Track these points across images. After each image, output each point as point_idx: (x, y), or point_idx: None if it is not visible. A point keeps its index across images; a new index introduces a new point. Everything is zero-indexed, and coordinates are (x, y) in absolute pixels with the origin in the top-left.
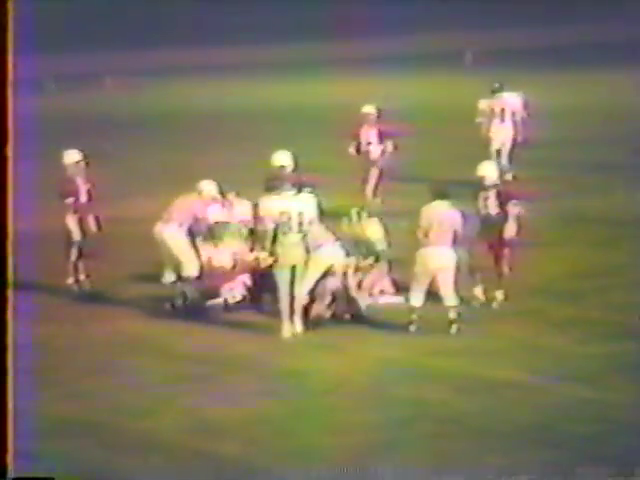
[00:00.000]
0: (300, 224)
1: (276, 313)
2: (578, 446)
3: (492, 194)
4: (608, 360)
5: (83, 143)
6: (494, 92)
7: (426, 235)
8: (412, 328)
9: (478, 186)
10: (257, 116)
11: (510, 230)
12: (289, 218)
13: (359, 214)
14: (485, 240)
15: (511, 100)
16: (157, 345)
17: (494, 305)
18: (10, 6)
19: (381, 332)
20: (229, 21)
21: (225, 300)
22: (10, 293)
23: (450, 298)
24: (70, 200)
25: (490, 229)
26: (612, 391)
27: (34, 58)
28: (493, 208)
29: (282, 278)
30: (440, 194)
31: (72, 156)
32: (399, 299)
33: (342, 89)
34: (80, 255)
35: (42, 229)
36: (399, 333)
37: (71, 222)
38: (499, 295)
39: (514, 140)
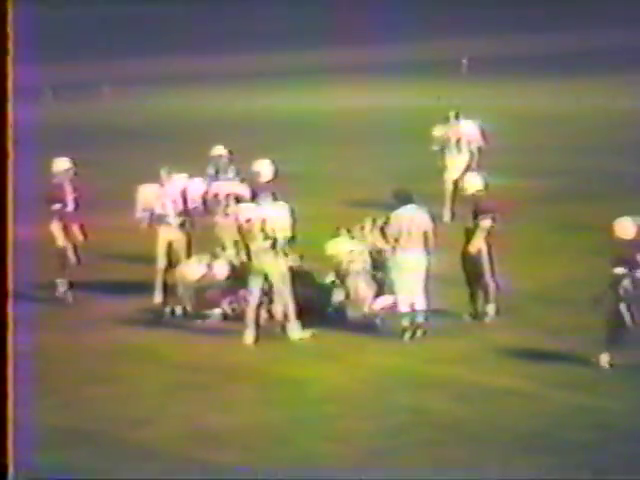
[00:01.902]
0: (270, 231)
1: (274, 323)
2: (576, 454)
3: (470, 206)
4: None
5: (81, 151)
6: (449, 119)
7: (397, 241)
8: (406, 336)
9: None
10: (256, 124)
11: (474, 245)
12: (255, 225)
13: (374, 222)
14: (472, 260)
15: (468, 129)
16: (155, 354)
17: (486, 320)
18: (10, 15)
19: (379, 340)
20: (228, 29)
21: (224, 312)
22: (9, 301)
23: (420, 302)
24: (56, 207)
25: (466, 242)
26: (610, 398)
27: (33, 67)
28: (470, 220)
29: (254, 284)
30: (404, 199)
31: (62, 163)
32: (392, 298)
33: (341, 96)
34: (65, 262)
35: (41, 237)
36: (397, 340)
37: (56, 229)
38: (490, 310)
39: (469, 169)
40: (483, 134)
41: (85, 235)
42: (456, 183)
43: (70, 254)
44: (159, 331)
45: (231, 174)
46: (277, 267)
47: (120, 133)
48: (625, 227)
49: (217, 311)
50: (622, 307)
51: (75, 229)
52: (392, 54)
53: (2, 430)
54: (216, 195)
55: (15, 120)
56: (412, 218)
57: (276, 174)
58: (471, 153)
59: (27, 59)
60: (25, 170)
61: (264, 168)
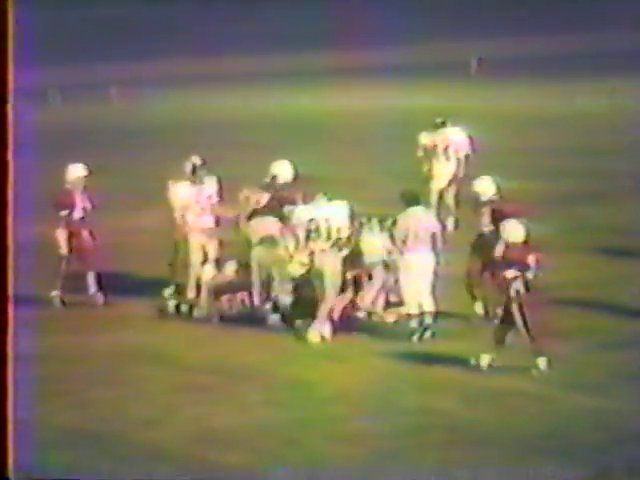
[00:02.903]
0: (333, 232)
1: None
2: (583, 455)
3: (487, 211)
4: (612, 368)
5: (86, 154)
6: (437, 127)
7: (404, 242)
8: (414, 338)
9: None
10: (261, 125)
11: (500, 249)
12: (317, 226)
13: (381, 223)
14: (479, 259)
15: (455, 137)
16: (161, 355)
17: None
18: (13, 17)
19: (387, 341)
20: (231, 31)
21: (221, 311)
22: (11, 303)
23: (428, 303)
24: (64, 212)
25: (483, 247)
26: (617, 400)
27: (38, 69)
28: (487, 226)
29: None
30: (412, 200)
31: (76, 170)
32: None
33: (344, 98)
34: (67, 269)
35: (44, 241)
36: (405, 342)
37: (61, 235)
38: (500, 312)
39: (455, 178)
40: (471, 142)
41: (94, 239)
42: (441, 192)
43: (64, 264)
44: (165, 332)
45: None
46: (334, 268)
47: (127, 134)
48: (514, 229)
49: (214, 311)
50: (514, 308)
51: (85, 234)
52: (394, 56)
53: (3, 431)
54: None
55: (19, 122)
56: (419, 219)
57: (296, 176)
58: (458, 161)
59: (32, 62)
60: (28, 173)
61: (283, 169)
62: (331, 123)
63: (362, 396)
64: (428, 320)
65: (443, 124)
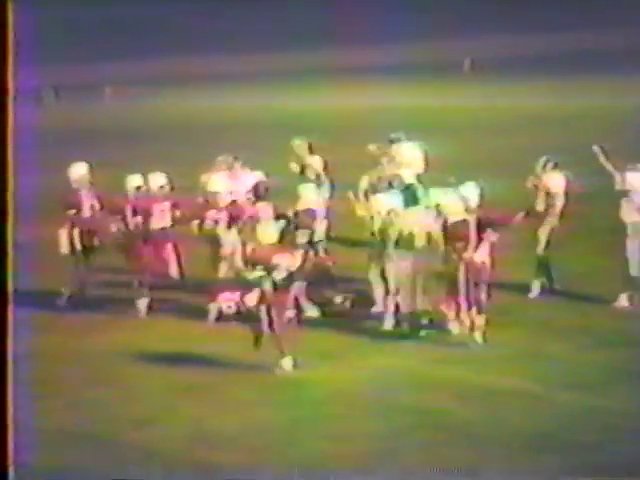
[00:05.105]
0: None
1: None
2: (580, 454)
3: (472, 219)
4: (611, 368)
5: (83, 153)
6: (392, 142)
7: (400, 240)
8: (410, 337)
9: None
10: (257, 125)
11: (481, 255)
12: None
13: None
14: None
15: (409, 152)
16: (157, 355)
17: (476, 336)
18: (10, 16)
19: (382, 340)
20: (228, 30)
21: (219, 309)
22: (10, 303)
23: (422, 302)
24: (72, 212)
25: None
26: (615, 399)
27: (34, 68)
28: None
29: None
30: (414, 200)
31: (79, 168)
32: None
33: (342, 97)
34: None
35: (43, 240)
36: (400, 341)
37: (63, 235)
38: (480, 321)
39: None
40: (425, 159)
41: (100, 239)
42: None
43: (74, 261)
44: (161, 332)
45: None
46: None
47: (122, 134)
48: (266, 230)
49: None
50: (261, 310)
51: (91, 234)
52: (393, 55)
53: (3, 432)
54: None
55: (16, 121)
56: (417, 217)
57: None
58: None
59: (28, 61)
60: (27, 172)
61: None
62: (332, 122)
63: (357, 396)
64: (423, 320)
65: (397, 139)
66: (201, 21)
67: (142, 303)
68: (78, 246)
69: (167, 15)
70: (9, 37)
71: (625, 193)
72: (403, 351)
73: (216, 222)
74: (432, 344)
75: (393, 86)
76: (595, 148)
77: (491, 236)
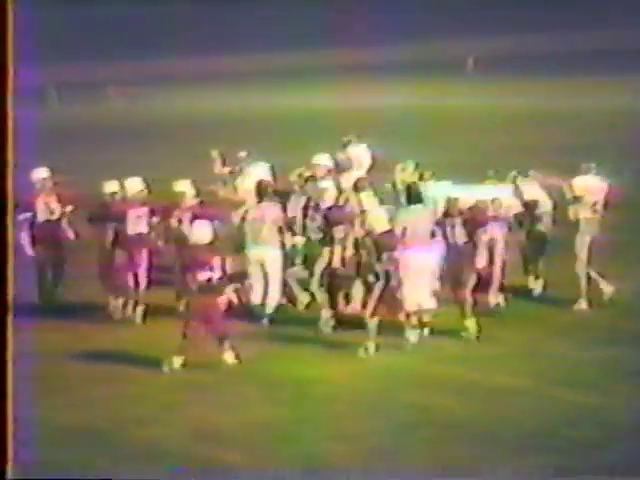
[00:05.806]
0: None
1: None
2: (580, 452)
3: (458, 222)
4: (610, 366)
5: (84, 152)
6: (345, 146)
7: (403, 239)
8: (412, 335)
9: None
10: (259, 124)
11: (481, 260)
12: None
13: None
14: (453, 273)
15: (359, 153)
16: (159, 353)
17: (469, 334)
18: (11, 16)
19: (384, 339)
20: (230, 30)
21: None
22: (10, 302)
23: (427, 301)
24: (25, 216)
25: (458, 261)
26: (614, 397)
27: (36, 67)
28: (461, 237)
29: None
30: (415, 197)
31: (39, 173)
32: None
33: (343, 96)
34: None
35: None
36: (403, 339)
37: (24, 238)
38: (470, 324)
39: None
40: (374, 158)
41: (77, 235)
42: None
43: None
44: (162, 330)
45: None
46: None
47: (124, 133)
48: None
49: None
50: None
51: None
52: (394, 54)
53: (3, 429)
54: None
55: (18, 121)
56: (420, 217)
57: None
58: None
59: (30, 60)
60: (28, 171)
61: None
62: (331, 121)
63: (359, 394)
64: (426, 318)
65: (348, 143)
66: (203, 22)
67: (138, 310)
68: (30, 251)
69: (169, 15)
70: (9, 37)
71: (578, 199)
72: (406, 349)
73: (180, 221)
74: (435, 342)
75: (393, 86)
76: (532, 172)
77: (483, 236)
